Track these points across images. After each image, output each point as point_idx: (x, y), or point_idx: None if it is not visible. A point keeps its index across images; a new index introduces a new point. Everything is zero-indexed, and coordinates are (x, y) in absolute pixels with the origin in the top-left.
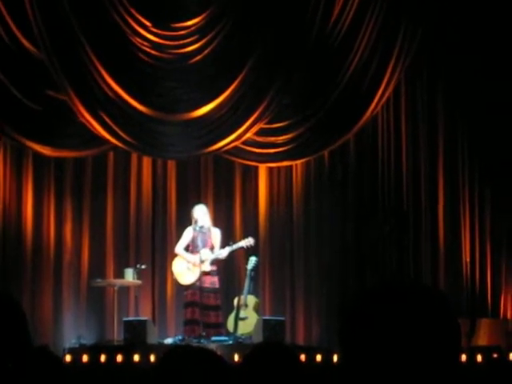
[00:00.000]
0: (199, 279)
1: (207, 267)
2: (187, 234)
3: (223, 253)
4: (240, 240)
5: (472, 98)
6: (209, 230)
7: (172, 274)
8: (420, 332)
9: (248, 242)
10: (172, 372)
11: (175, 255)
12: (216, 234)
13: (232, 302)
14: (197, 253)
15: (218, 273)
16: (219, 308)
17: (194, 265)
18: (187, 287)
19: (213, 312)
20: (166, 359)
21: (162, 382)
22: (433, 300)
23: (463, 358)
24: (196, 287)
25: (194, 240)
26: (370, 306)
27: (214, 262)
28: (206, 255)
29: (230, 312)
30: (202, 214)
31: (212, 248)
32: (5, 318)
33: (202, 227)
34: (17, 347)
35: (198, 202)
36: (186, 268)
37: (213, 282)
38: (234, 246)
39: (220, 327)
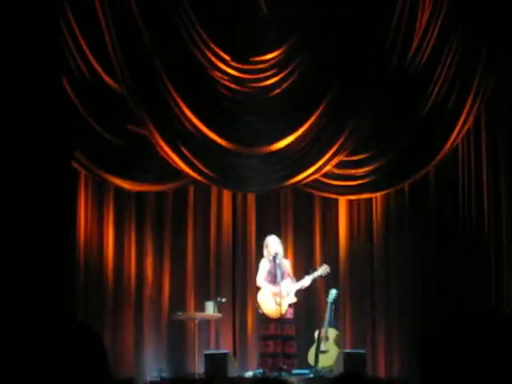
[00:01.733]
0: (286, 311)
1: (293, 299)
2: (264, 266)
3: (305, 282)
4: (317, 268)
5: None
6: (281, 260)
7: (257, 305)
8: (499, 363)
9: (325, 269)
10: None
11: (258, 288)
12: (288, 265)
13: (312, 335)
14: (276, 284)
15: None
16: (294, 338)
17: (280, 296)
18: (270, 320)
19: (292, 342)
20: None
21: None
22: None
23: None
24: (278, 320)
25: (271, 271)
26: (449, 336)
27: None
28: (289, 286)
29: (311, 345)
30: (276, 244)
31: (288, 278)
32: (86, 350)
33: (278, 258)
34: (98, 381)
35: (272, 233)
36: (272, 300)
37: (291, 312)
38: (314, 275)
39: (295, 358)
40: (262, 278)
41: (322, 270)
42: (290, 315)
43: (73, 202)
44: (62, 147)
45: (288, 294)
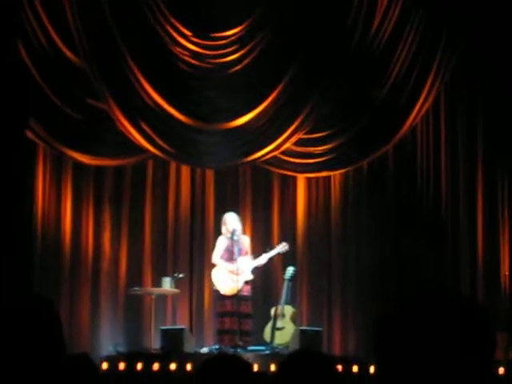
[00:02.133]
0: (242, 288)
1: (249, 276)
2: (221, 243)
3: (262, 260)
4: (275, 246)
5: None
6: (240, 237)
7: (211, 283)
8: (455, 342)
9: (283, 247)
10: (209, 380)
11: (213, 265)
12: (247, 242)
13: (269, 312)
14: (233, 261)
15: (251, 281)
16: (252, 316)
17: (235, 274)
18: (225, 297)
19: (248, 320)
20: (203, 368)
21: None
22: (468, 310)
23: (501, 370)
24: (235, 296)
25: (228, 249)
26: (406, 315)
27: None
28: (246, 263)
29: (267, 322)
30: (234, 221)
31: (246, 255)
32: (40, 321)
33: (236, 235)
34: (52, 353)
35: (230, 209)
36: (228, 277)
37: (248, 289)
38: (271, 253)
39: (251, 335)
40: (217, 256)
41: (280, 247)
42: (246, 292)
43: (30, 175)
44: (16, 116)
45: (244, 271)
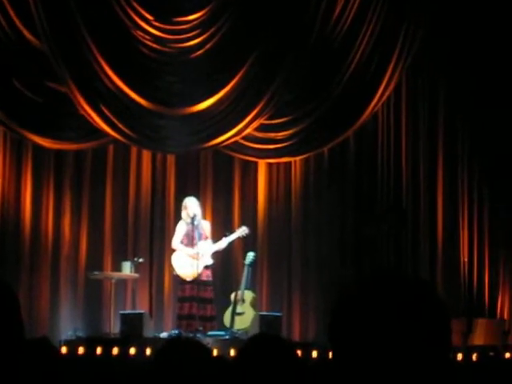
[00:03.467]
0: (201, 273)
1: (209, 260)
2: (181, 228)
3: (222, 244)
4: (235, 230)
5: (473, 98)
6: (200, 222)
7: (171, 268)
8: (409, 326)
9: (243, 231)
10: (167, 364)
11: (173, 250)
12: (207, 227)
13: (229, 297)
14: (193, 246)
15: (212, 266)
16: (213, 301)
17: (195, 258)
18: (185, 281)
19: (209, 305)
20: (162, 352)
21: (157, 374)
22: (421, 291)
23: (459, 356)
24: (195, 281)
25: (188, 233)
26: (361, 300)
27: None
28: (206, 248)
29: (227, 307)
30: (195, 206)
31: (206, 240)
32: None
33: (196, 220)
34: (9, 336)
35: (191, 194)
36: (187, 262)
37: (208, 274)
38: (231, 237)
39: (214, 320)
40: (177, 241)
41: (240, 231)
42: (206, 277)
43: None
44: None
45: (204, 256)
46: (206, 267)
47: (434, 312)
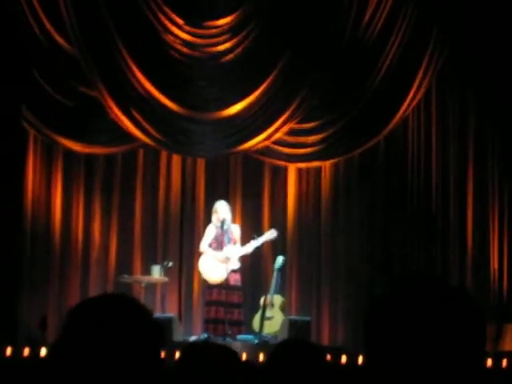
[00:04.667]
0: (229, 277)
1: (236, 264)
2: (210, 232)
3: (249, 247)
4: (263, 234)
5: (503, 103)
6: (229, 226)
7: (199, 272)
8: (445, 331)
9: (271, 234)
10: (192, 367)
11: (201, 253)
12: (236, 231)
13: (258, 301)
14: (222, 250)
15: (240, 270)
16: (242, 306)
17: (222, 262)
18: (212, 286)
19: (236, 310)
20: (186, 355)
21: (182, 376)
22: (460, 299)
23: (489, 362)
24: (222, 285)
25: (217, 237)
26: (396, 306)
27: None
28: (234, 252)
29: (256, 311)
30: (225, 210)
31: (234, 244)
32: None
33: (226, 224)
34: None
35: (220, 198)
36: (215, 266)
37: (236, 279)
38: (259, 240)
39: (242, 325)
40: (205, 244)
41: (269, 234)
42: (234, 282)
43: (21, 162)
44: (8, 104)
45: (231, 260)
46: (234, 271)
47: (470, 317)
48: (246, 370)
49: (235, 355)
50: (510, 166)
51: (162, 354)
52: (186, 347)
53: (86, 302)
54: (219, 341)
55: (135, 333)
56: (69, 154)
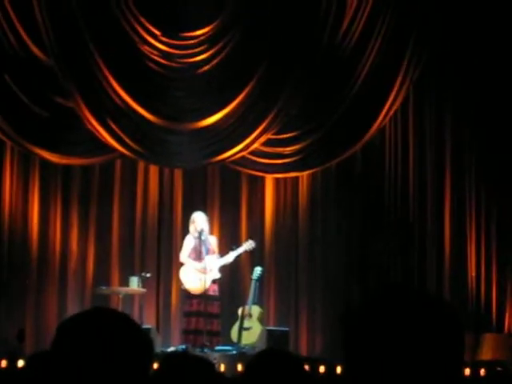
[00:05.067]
0: (209, 287)
1: (216, 274)
2: (188, 242)
3: (229, 258)
4: (241, 244)
5: (480, 113)
6: (207, 237)
7: (179, 282)
8: (423, 341)
9: (250, 244)
10: (169, 378)
11: (181, 264)
12: (214, 242)
13: (236, 312)
14: (200, 260)
15: (219, 280)
16: (220, 316)
17: (203, 272)
18: (192, 296)
19: (215, 320)
20: (163, 366)
21: None
22: (438, 308)
23: (467, 371)
24: (202, 296)
25: (196, 248)
26: (373, 314)
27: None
28: (213, 262)
29: (234, 322)
30: (203, 220)
31: (213, 254)
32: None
33: (204, 235)
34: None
35: (198, 209)
36: (196, 276)
37: (215, 289)
38: (238, 251)
39: (219, 335)
40: (185, 255)
41: (247, 245)
42: (213, 292)
43: None
44: None
45: (211, 270)
46: (214, 281)
47: (448, 326)
48: (222, 382)
49: (212, 367)
50: (487, 174)
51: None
52: (164, 358)
53: (75, 316)
54: (197, 352)
55: (127, 348)
56: (46, 165)
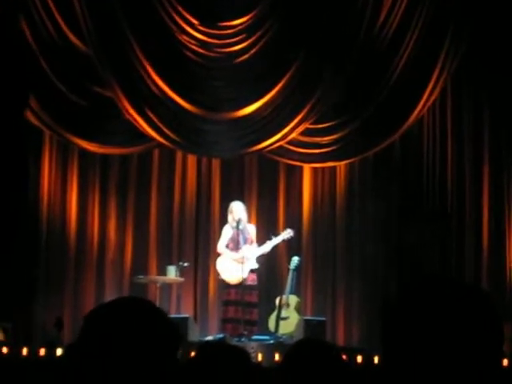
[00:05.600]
0: (247, 277)
1: (254, 264)
2: (226, 232)
3: (267, 247)
4: (280, 233)
5: None
6: (245, 226)
7: (216, 272)
8: (462, 331)
9: (288, 233)
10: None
11: (218, 254)
12: (252, 231)
13: (274, 302)
14: (239, 250)
15: (257, 270)
16: (258, 305)
17: (240, 262)
18: (230, 285)
19: (254, 309)
20: (199, 354)
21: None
22: (477, 298)
23: (505, 362)
24: (240, 285)
25: (234, 238)
26: (412, 304)
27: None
28: (251, 252)
29: (272, 311)
30: (241, 210)
31: (251, 244)
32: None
33: (242, 224)
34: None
35: (236, 199)
36: (233, 266)
37: (254, 278)
38: (276, 240)
39: (257, 325)
40: (223, 245)
41: (285, 234)
42: (251, 281)
43: (37, 162)
44: (24, 104)
45: (249, 260)
46: (252, 271)
47: (487, 317)
48: (257, 372)
49: (247, 356)
50: None
51: (178, 355)
52: (199, 347)
53: (102, 306)
54: (235, 341)
55: (152, 336)
56: (84, 154)
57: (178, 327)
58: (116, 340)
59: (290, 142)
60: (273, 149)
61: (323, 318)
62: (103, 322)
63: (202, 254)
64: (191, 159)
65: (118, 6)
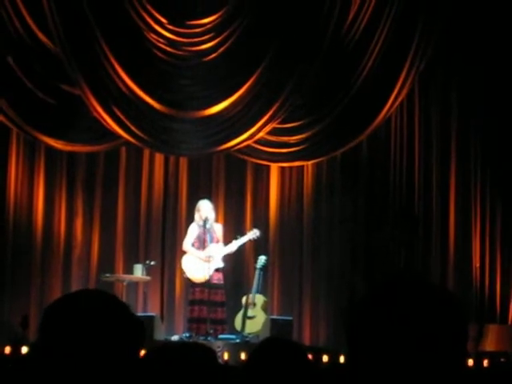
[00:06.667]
0: (212, 276)
1: (220, 263)
2: (193, 231)
3: (233, 247)
4: (246, 233)
5: (486, 104)
6: (212, 225)
7: (182, 271)
8: (427, 331)
9: (254, 233)
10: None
11: (184, 252)
12: (219, 230)
13: (240, 301)
14: (204, 249)
15: (223, 269)
16: (225, 304)
17: (205, 261)
18: (195, 284)
19: (220, 308)
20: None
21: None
22: (442, 298)
23: (470, 362)
24: (205, 284)
25: (200, 236)
26: (378, 304)
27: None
28: (217, 251)
29: (238, 310)
30: (209, 209)
31: (217, 243)
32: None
33: (209, 223)
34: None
35: (203, 198)
36: (198, 265)
37: (219, 278)
38: (241, 240)
39: (225, 323)
40: (188, 243)
41: (251, 234)
42: (217, 280)
43: (3, 160)
44: None
45: (215, 259)
46: (217, 270)
47: (452, 317)
48: (223, 370)
49: (213, 354)
50: (492, 165)
51: (142, 353)
52: (162, 346)
53: (63, 298)
54: (201, 340)
55: (115, 327)
56: (51, 152)
57: (142, 321)
58: (76, 332)
59: (257, 142)
60: (240, 148)
61: (290, 318)
62: (64, 314)
63: (169, 253)
64: (158, 157)
65: (87, 4)
